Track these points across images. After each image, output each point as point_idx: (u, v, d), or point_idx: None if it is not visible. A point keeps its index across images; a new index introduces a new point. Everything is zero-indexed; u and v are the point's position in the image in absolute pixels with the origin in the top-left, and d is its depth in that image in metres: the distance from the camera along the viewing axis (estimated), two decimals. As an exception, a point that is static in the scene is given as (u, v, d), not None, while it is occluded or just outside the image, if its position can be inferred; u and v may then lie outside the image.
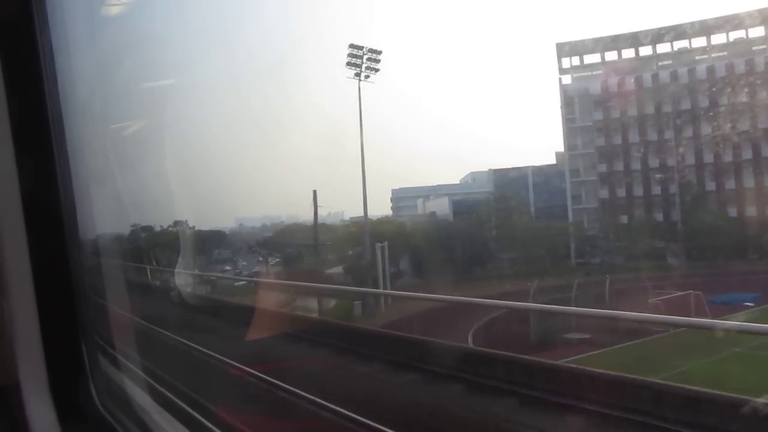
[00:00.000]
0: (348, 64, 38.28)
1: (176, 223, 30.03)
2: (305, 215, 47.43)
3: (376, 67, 38.52)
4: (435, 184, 51.02)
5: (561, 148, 48.17)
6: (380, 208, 52.05)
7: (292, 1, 67.93)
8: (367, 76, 38.57)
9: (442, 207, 47.17)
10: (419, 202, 50.81)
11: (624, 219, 42.94)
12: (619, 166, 44.96)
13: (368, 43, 38.93)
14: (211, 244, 40.50)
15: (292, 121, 60.97)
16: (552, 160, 50.12)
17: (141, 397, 3.20)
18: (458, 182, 54.27)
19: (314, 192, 34.88)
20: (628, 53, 45.91)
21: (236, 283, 29.70)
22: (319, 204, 34.78)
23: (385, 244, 32.98)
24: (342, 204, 55.88)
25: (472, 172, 53.69)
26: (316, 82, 66.02)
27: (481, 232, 41.68)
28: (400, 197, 51.33)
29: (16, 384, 2.01)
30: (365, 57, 38.37)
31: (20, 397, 2.01)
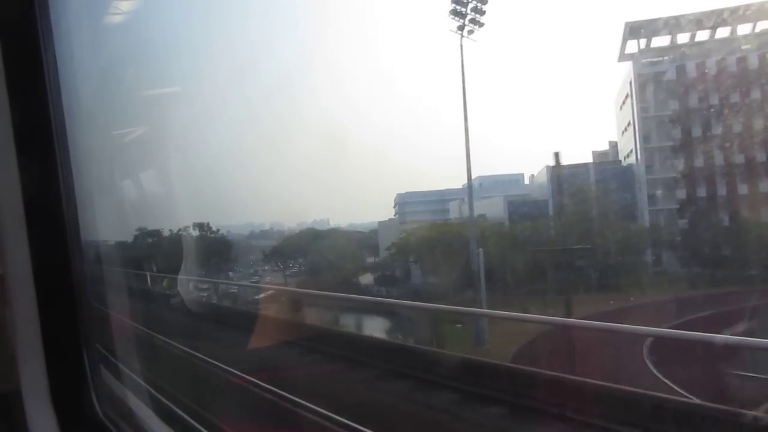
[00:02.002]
0: (452, 12, 36.46)
1: (189, 227, 30.65)
2: (289, 221, 49.03)
3: (482, 21, 36.47)
4: (440, 188, 50.66)
5: (593, 146, 46.09)
6: (374, 215, 52.07)
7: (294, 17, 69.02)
8: (471, 31, 36.16)
9: (493, 210, 46.38)
10: (452, 205, 50.21)
11: (711, 221, 40.90)
12: (700, 162, 42.96)
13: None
14: (219, 251, 40.93)
15: (289, 128, 62.05)
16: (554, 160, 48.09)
17: (142, 406, 3.39)
18: (461, 187, 53.48)
19: (551, 163, 33.46)
20: (702, 35, 43.86)
21: (257, 295, 28.92)
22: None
23: (480, 251, 30.32)
24: (326, 211, 56.36)
25: (479, 176, 52.62)
26: (309, 90, 66.39)
27: (551, 237, 40.33)
28: (405, 202, 51.15)
29: (17, 391, 2.19)
30: (470, 7, 36.18)
31: (21, 405, 2.19)
